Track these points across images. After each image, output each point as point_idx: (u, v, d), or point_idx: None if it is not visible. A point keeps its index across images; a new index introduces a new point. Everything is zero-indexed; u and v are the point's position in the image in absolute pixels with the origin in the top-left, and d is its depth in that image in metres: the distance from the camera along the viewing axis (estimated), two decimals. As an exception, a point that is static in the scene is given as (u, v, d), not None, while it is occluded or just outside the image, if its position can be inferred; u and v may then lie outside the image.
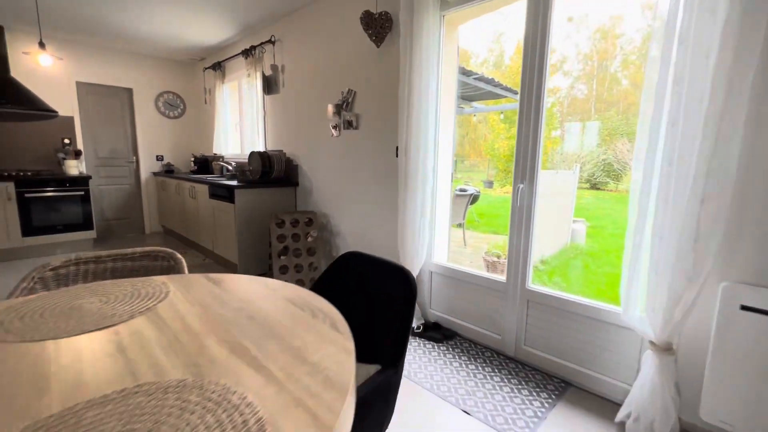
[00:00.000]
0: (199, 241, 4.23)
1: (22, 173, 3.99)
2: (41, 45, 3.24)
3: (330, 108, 3.12)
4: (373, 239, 2.96)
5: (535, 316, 2.07)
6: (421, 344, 2.33)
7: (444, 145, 2.54)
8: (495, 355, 2.22)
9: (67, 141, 4.51)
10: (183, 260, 1.45)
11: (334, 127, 3.15)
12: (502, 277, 2.21)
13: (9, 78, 3.99)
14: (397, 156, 2.61)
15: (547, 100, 1.98)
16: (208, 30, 3.99)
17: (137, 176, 5.18)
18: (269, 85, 3.86)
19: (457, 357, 2.19)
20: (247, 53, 3.97)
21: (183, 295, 1.05)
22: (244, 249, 3.40)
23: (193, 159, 5.11)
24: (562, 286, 3.77)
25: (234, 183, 3.43)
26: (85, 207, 4.29)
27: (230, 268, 3.64)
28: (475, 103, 6.67)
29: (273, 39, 3.68)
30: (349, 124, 3.00)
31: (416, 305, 2.54)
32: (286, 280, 3.06)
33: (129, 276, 1.42)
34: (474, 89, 5.22)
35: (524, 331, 2.13)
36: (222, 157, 4.78)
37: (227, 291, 1.09)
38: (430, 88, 2.29)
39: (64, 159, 4.40)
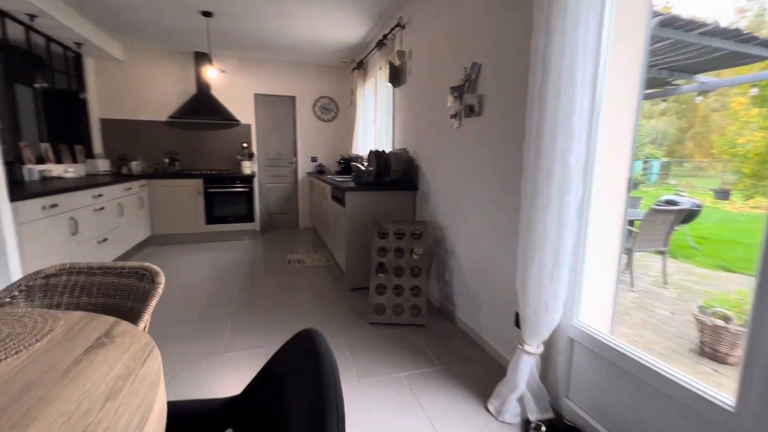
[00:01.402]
0: (326, 242, 4.22)
1: (208, 172, 4.85)
2: (209, 61, 3.75)
3: (450, 92, 2.42)
4: (490, 270, 2.12)
5: None
6: (537, 460, 1.41)
7: (614, 134, 1.51)
8: None
9: (245, 145, 5.30)
10: (160, 286, 1.10)
11: (454, 116, 2.43)
12: (727, 398, 1.07)
13: (209, 95, 4.90)
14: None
15: None
16: (348, 27, 3.87)
17: (295, 176, 5.70)
18: (397, 76, 3.43)
19: None
20: (380, 44, 3.66)
21: (14, 364, 0.65)
22: (353, 257, 3.08)
23: (339, 160, 5.25)
24: None
25: (347, 184, 3.15)
26: (250, 202, 4.92)
27: (341, 274, 3.42)
28: (701, 76, 4.56)
29: (401, 22, 3.22)
30: (470, 110, 2.24)
31: (543, 389, 1.61)
32: (381, 305, 2.57)
33: (113, 295, 1.17)
34: (701, 52, 3.45)
35: None
36: (360, 157, 4.68)
37: (73, 369, 0.63)
38: (581, 36, 1.34)
39: (241, 160, 5.18)
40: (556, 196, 1.43)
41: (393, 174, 3.12)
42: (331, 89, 5.58)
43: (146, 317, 0.99)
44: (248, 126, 5.30)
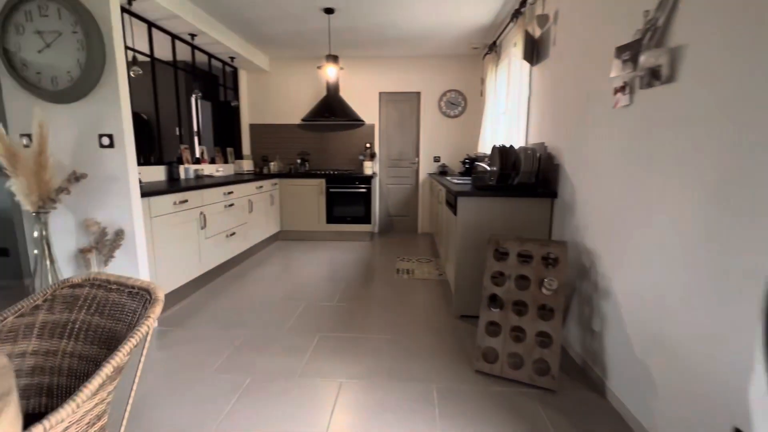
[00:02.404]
0: (440, 252, 3.72)
1: (330, 172, 4.91)
2: (335, 60, 3.69)
3: (615, 54, 1.63)
4: (678, 335, 1.27)
5: None
6: None
7: None
8: None
9: (368, 145, 5.23)
10: (147, 321, 0.82)
11: (620, 90, 1.62)
12: None
13: (337, 96, 4.97)
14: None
15: None
16: (478, 1, 3.27)
17: (417, 177, 5.36)
18: (537, 50, 2.68)
19: None
20: (516, 14, 2.96)
21: None
22: (464, 277, 2.51)
23: (464, 159, 4.67)
24: None
25: (461, 188, 2.59)
26: (367, 203, 4.79)
27: (451, 294, 2.86)
28: None
29: (546, -24, 2.47)
30: (652, 76, 1.42)
31: None
32: (493, 350, 1.91)
33: (120, 317, 0.96)
34: None
35: None
36: (486, 156, 4.01)
37: None
38: None
39: (363, 160, 5.12)
40: None
41: (522, 176, 2.41)
42: (459, 81, 5.03)
43: (107, 369, 0.71)
44: (372, 126, 5.21)
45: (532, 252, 1.92)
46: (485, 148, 4.08)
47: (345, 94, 5.15)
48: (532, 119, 2.88)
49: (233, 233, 3.55)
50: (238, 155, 5.15)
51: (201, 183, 3.11)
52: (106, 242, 2.20)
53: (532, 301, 1.87)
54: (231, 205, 3.51)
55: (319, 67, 4.28)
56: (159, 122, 3.53)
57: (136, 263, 2.28)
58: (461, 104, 5.08)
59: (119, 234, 2.22)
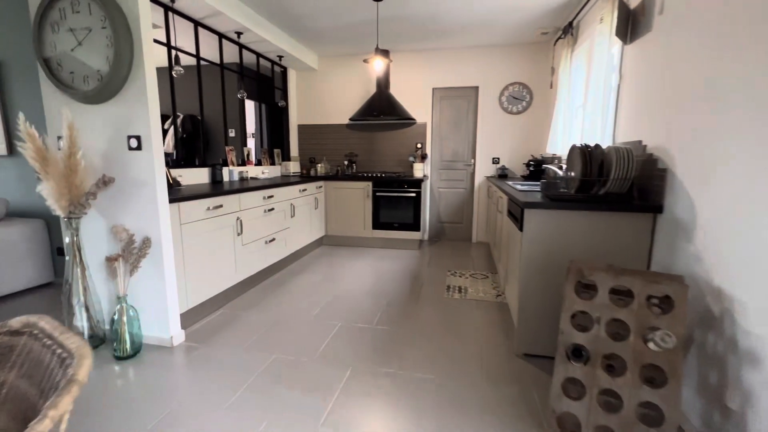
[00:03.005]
0: (498, 269, 3.22)
1: (378, 174, 4.59)
2: (380, 54, 3.36)
3: (786, 5, 1.09)
4: None
5: None
6: None
7: None
8: None
9: (419, 145, 4.84)
10: (47, 418, 0.52)
11: (794, 59, 1.07)
12: None
13: (387, 94, 4.65)
14: None
15: None
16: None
17: (472, 180, 4.86)
18: (634, 23, 2.12)
19: None
20: (603, -16, 2.39)
21: None
22: (529, 306, 2.03)
23: (528, 161, 4.10)
24: None
25: (530, 197, 2.10)
26: (417, 208, 4.40)
27: (512, 323, 2.38)
28: None
29: (651, -76, 1.90)
30: None
31: None
32: (572, 417, 1.40)
33: (42, 388, 0.68)
34: None
35: None
36: (556, 157, 3.43)
37: None
38: None
39: (413, 162, 4.74)
40: None
41: (612, 183, 1.88)
42: (524, 73, 4.45)
43: None
44: (424, 125, 4.81)
45: (633, 288, 1.42)
46: (555, 147, 3.49)
47: (395, 92, 4.82)
48: (621, 112, 2.31)
49: (273, 239, 3.37)
50: (286, 157, 5.04)
51: (242, 186, 2.95)
52: (132, 250, 2.07)
53: (632, 358, 1.37)
54: (271, 209, 3.32)
55: (365, 60, 3.97)
56: (203, 123, 3.46)
57: (162, 274, 2.12)
58: (526, 99, 4.49)
59: (146, 242, 2.08)
